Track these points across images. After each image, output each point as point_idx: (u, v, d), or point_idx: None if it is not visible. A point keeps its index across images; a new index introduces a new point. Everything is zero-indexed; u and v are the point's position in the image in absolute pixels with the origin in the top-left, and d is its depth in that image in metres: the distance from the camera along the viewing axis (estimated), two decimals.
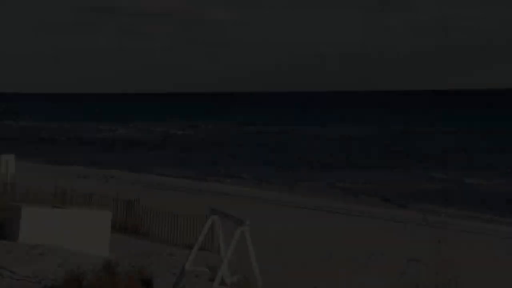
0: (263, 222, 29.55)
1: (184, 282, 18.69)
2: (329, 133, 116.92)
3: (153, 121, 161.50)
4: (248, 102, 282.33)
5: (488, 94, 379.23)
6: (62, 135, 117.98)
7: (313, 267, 23.47)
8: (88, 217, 23.27)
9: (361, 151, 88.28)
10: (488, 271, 22.63)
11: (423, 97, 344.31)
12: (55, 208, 24.06)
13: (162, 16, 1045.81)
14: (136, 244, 25.10)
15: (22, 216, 22.58)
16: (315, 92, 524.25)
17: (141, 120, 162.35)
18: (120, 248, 24.01)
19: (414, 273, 10.25)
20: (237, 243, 16.27)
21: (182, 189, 50.21)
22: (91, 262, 20.72)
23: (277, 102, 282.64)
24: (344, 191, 54.44)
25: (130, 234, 26.85)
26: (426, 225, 10.24)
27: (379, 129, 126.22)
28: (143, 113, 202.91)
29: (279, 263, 20.80)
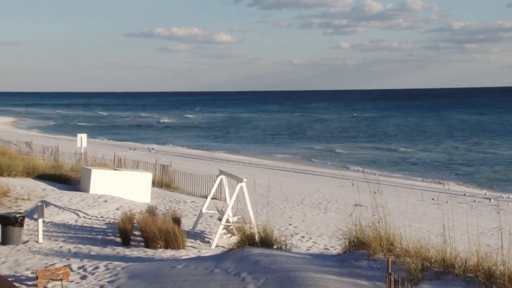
0: (255, 179, 29.64)
1: (201, 220, 18.73)
2: (274, 120, 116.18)
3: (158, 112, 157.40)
4: (243, 99, 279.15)
5: (407, 92, 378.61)
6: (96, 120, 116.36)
7: (289, 210, 23.49)
8: (136, 177, 23.23)
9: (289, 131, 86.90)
10: (407, 211, 22.70)
11: (359, 94, 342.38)
12: (114, 170, 24.02)
13: (185, 38, 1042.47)
14: (169, 195, 25.06)
15: (92, 175, 22.55)
16: (289, 91, 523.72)
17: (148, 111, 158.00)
18: (158, 198, 24.01)
19: (359, 214, 10.25)
20: (237, 194, 16.29)
21: (200, 157, 50.11)
22: (138, 206, 20.76)
23: (262, 98, 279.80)
24: (292, 158, 53.59)
25: (165, 188, 26.80)
26: (367, 181, 10.26)
27: (302, 116, 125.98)
28: (152, 106, 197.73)
29: (265, 207, 20.79)
